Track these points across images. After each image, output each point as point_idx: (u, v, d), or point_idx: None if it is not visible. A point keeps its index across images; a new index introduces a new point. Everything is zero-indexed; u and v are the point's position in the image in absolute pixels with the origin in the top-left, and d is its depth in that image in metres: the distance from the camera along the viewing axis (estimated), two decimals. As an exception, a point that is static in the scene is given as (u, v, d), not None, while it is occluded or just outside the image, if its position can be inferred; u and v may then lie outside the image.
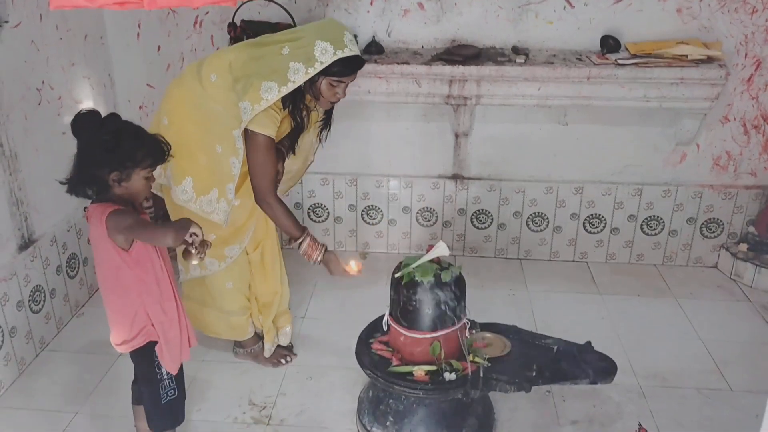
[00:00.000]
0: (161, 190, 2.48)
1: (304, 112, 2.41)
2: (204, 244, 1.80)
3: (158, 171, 2.07)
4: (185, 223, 1.78)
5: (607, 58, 3.05)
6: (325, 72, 2.23)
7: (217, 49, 3.24)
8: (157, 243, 1.89)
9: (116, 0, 1.24)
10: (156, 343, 1.99)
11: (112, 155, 1.81)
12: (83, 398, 2.58)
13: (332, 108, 2.48)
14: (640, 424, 2.13)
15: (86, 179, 1.86)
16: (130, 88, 3.43)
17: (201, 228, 1.80)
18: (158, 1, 1.21)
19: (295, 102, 2.35)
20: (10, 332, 2.62)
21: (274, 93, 2.22)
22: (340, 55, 2.20)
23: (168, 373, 2.03)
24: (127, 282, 1.91)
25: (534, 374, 2.18)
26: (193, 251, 1.78)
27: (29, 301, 2.74)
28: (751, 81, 3.17)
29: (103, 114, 1.90)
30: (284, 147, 2.51)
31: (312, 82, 2.28)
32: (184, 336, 2.05)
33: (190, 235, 1.76)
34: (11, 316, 2.63)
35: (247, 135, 2.29)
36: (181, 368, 2.11)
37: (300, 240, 2.40)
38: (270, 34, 2.37)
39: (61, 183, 1.88)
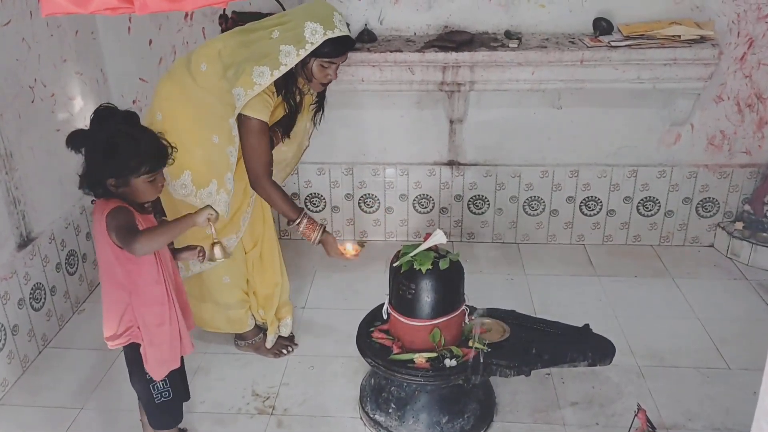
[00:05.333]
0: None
1: (298, 96, 2.42)
2: (215, 219, 1.88)
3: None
4: (185, 220, 1.83)
5: (600, 41, 3.05)
6: (316, 53, 2.25)
7: (209, 41, 3.23)
8: (166, 239, 1.85)
9: (108, 6, 1.23)
10: (140, 345, 1.96)
11: (108, 163, 1.80)
12: (88, 394, 2.60)
13: (325, 90, 2.48)
14: (639, 405, 2.15)
15: (90, 180, 1.85)
16: (123, 82, 3.42)
17: (208, 211, 1.85)
18: (149, 5, 1.21)
19: (287, 86, 2.36)
20: (12, 330, 2.64)
21: (266, 77, 2.22)
22: (330, 35, 2.21)
23: None
24: (119, 279, 1.90)
25: (533, 352, 2.21)
26: (212, 232, 1.89)
27: (30, 298, 2.75)
28: (744, 59, 3.17)
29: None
30: (275, 134, 2.51)
31: (304, 64, 2.29)
32: (176, 343, 1.99)
33: (207, 221, 1.83)
34: (13, 314, 2.64)
35: (240, 120, 2.30)
36: (182, 371, 2.11)
37: (297, 221, 2.41)
38: (258, 21, 2.37)
39: (78, 175, 1.87)
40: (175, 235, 1.85)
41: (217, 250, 1.92)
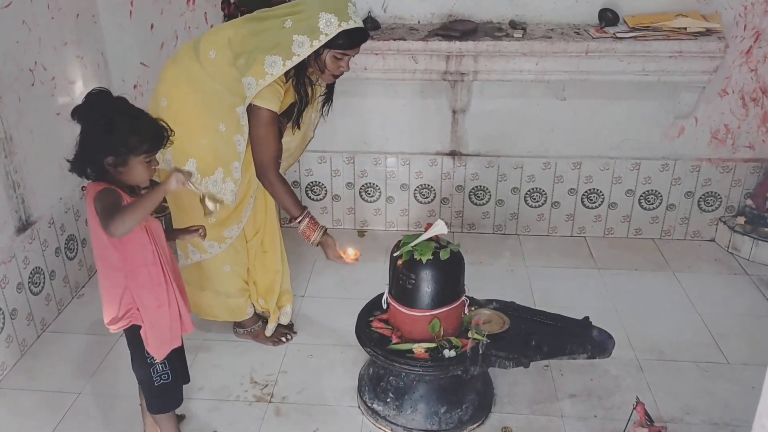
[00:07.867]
0: (157, 174, 2.46)
1: (308, 87, 2.39)
2: (188, 175, 1.83)
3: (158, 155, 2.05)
4: (158, 189, 1.79)
5: (605, 32, 3.02)
6: (330, 44, 2.21)
7: (212, 26, 3.20)
8: (141, 214, 1.79)
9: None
10: (141, 327, 1.96)
11: (106, 139, 1.78)
12: (86, 378, 2.60)
13: (334, 82, 2.46)
14: (637, 398, 2.14)
15: (85, 160, 1.83)
16: (124, 67, 3.40)
17: (176, 174, 1.80)
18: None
19: (298, 76, 2.32)
20: (11, 314, 2.63)
21: (278, 67, 2.19)
22: (345, 26, 2.17)
23: None
24: (114, 262, 1.89)
25: (532, 344, 2.21)
26: (194, 189, 1.84)
27: (29, 283, 2.75)
28: (750, 53, 3.15)
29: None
30: (282, 124, 2.50)
31: (317, 55, 2.25)
32: (175, 323, 1.99)
33: (179, 182, 1.78)
34: (11, 298, 2.64)
35: (250, 110, 2.28)
36: (182, 353, 2.11)
37: (299, 220, 2.39)
38: (267, 9, 2.34)
39: (68, 161, 1.86)
40: (150, 208, 1.80)
41: (207, 203, 1.89)
